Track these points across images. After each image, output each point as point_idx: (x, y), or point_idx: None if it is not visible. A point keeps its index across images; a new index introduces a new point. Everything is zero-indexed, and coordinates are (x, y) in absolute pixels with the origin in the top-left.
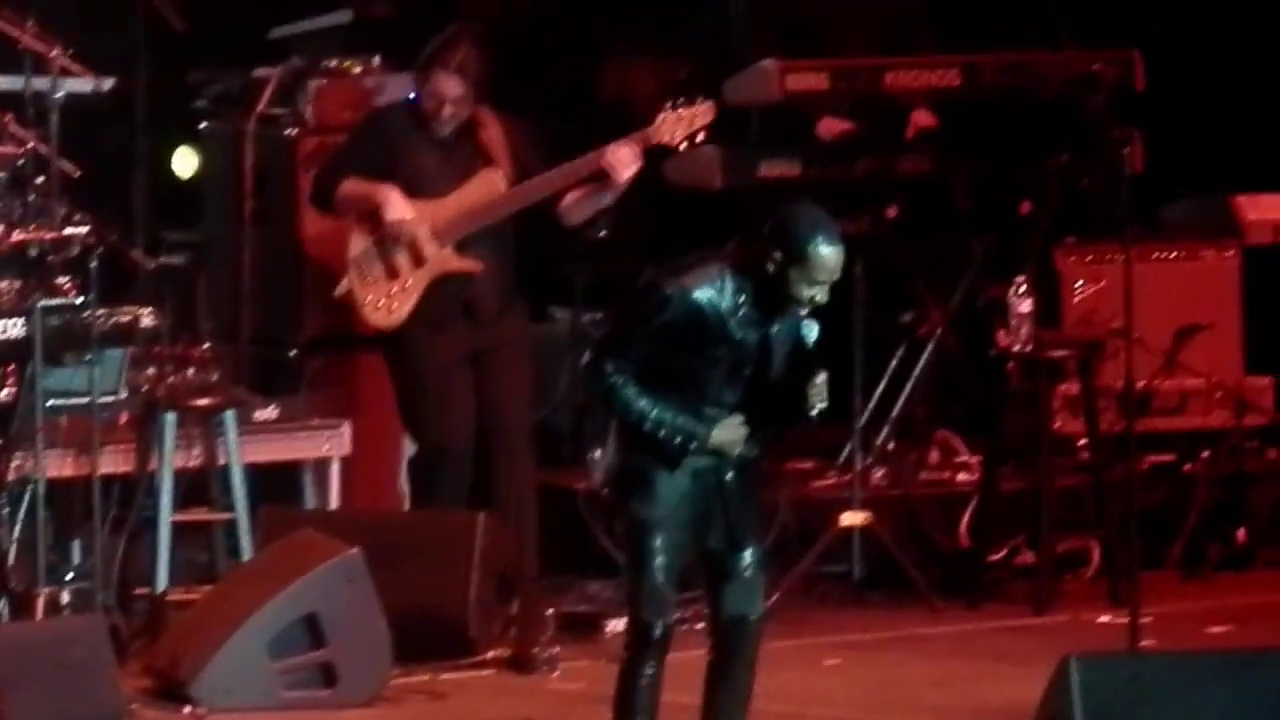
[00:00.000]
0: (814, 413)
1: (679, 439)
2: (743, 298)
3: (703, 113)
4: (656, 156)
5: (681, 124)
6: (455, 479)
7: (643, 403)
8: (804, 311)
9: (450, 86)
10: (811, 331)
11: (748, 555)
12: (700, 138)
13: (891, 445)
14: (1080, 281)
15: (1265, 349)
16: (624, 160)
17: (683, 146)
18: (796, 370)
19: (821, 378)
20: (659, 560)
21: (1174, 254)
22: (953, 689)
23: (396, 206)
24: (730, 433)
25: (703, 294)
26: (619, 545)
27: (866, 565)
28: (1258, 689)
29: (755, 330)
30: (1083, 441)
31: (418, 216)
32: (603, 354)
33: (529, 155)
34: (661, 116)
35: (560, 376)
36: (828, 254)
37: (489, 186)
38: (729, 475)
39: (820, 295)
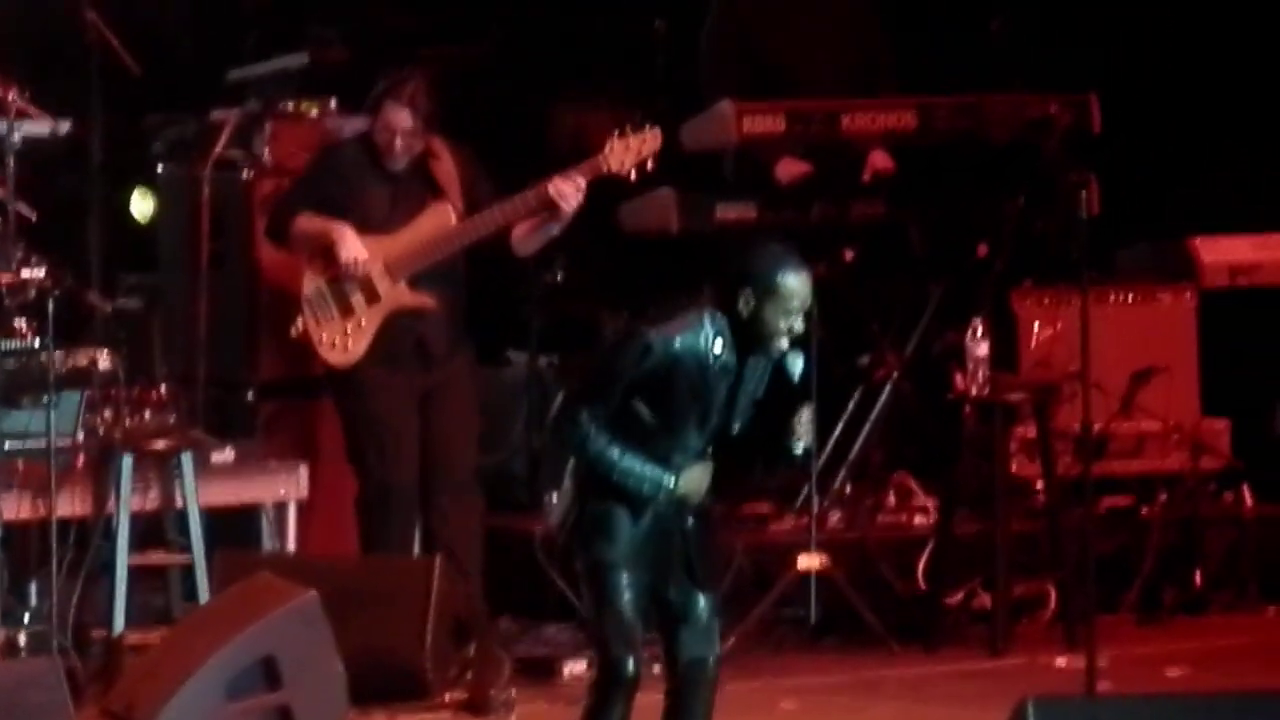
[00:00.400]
0: (799, 450)
1: (647, 488)
2: (720, 343)
3: (650, 139)
4: (612, 200)
5: (630, 152)
6: (403, 517)
7: (614, 452)
8: (784, 343)
9: (401, 119)
10: (796, 364)
11: (702, 600)
12: (649, 166)
13: (848, 489)
14: (1037, 325)
15: (1222, 392)
16: (567, 192)
17: (633, 177)
18: (780, 405)
19: (807, 413)
20: (626, 597)
21: (1131, 297)
22: None
23: (351, 246)
24: (697, 482)
25: (684, 343)
26: (575, 589)
27: (823, 609)
28: None
29: (728, 378)
30: (1039, 485)
31: (371, 254)
32: (578, 402)
33: (480, 188)
34: (609, 145)
35: (516, 420)
36: (796, 283)
37: (440, 220)
38: (689, 522)
39: (797, 324)
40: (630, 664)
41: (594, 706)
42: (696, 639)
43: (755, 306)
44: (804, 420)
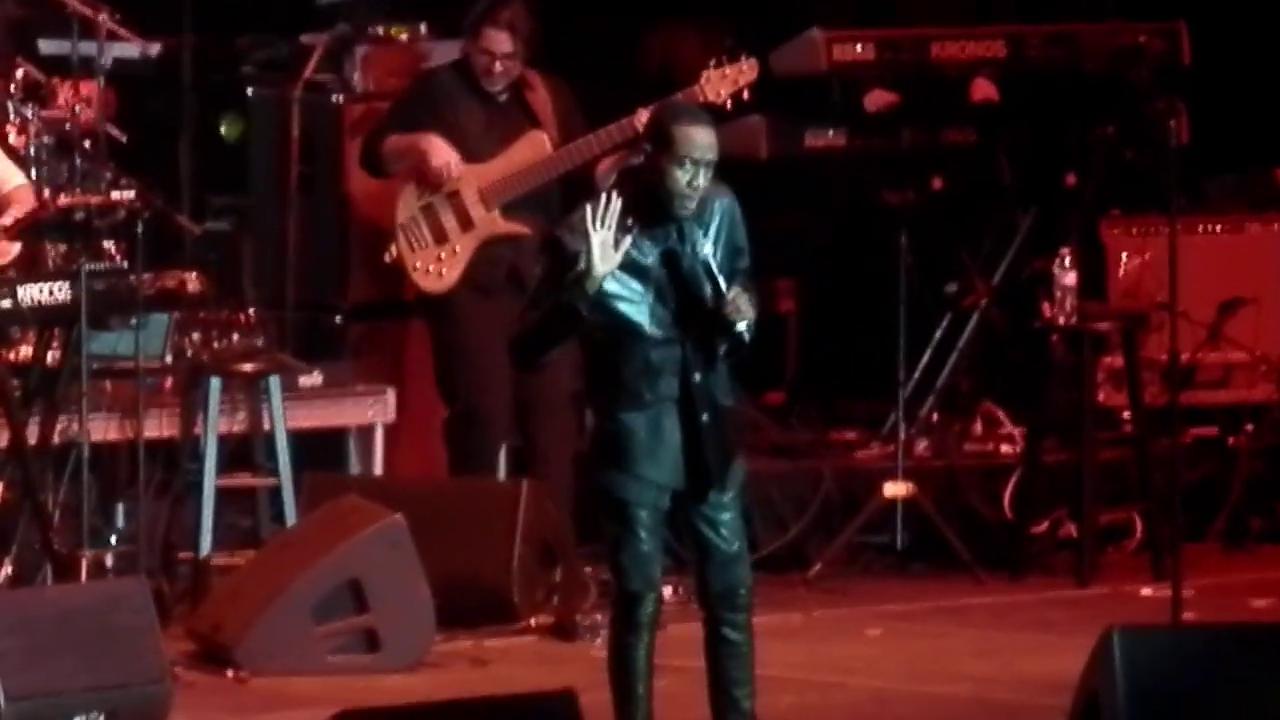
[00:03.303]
0: (740, 326)
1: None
2: (630, 218)
3: (747, 70)
4: None
5: (725, 82)
6: (491, 444)
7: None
8: (689, 202)
9: (500, 42)
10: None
11: (727, 513)
12: (745, 96)
13: (935, 416)
14: (1125, 254)
15: None
16: None
17: (728, 105)
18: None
19: (734, 291)
20: (642, 533)
21: (1219, 227)
22: (994, 660)
23: (440, 152)
24: (602, 249)
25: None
26: None
27: (909, 536)
28: None
29: (658, 247)
30: (1126, 414)
31: (465, 176)
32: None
33: (574, 119)
34: (705, 75)
35: None
36: (690, 130)
37: (535, 148)
38: (704, 417)
39: (698, 179)
40: (648, 600)
41: (615, 641)
42: (724, 569)
43: (655, 161)
44: (733, 298)
